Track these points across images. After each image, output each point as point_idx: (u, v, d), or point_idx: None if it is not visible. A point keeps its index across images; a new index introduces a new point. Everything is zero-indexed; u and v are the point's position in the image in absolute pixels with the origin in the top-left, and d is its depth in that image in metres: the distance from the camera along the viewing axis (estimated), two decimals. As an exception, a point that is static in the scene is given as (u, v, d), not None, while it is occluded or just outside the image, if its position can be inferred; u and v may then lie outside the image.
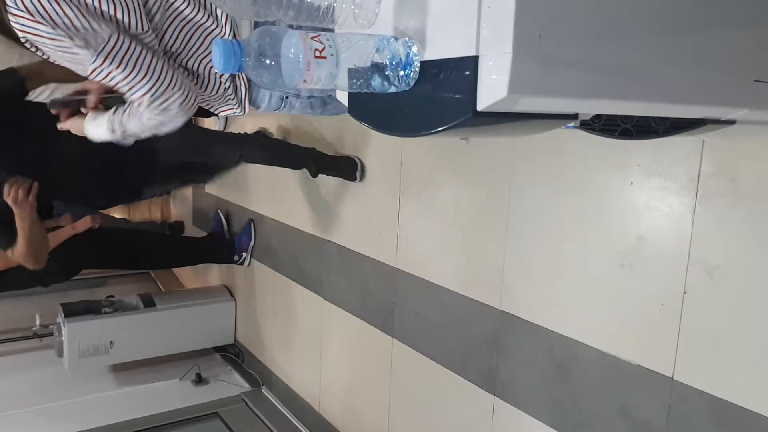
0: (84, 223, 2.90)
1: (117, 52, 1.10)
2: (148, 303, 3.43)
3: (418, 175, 2.27)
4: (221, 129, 3.56)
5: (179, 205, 4.80)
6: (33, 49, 1.18)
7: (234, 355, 3.68)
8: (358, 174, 2.50)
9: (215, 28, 1.25)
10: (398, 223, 2.34)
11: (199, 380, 3.41)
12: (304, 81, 0.76)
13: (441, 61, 0.78)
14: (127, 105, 1.26)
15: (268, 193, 3.32)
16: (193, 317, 3.57)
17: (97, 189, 2.20)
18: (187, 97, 1.21)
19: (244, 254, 3.47)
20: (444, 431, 2.22)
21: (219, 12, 1.25)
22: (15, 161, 1.95)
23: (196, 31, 1.23)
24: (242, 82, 1.35)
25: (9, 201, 1.97)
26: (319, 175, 2.55)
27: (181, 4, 1.21)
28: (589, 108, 0.93)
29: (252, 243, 3.47)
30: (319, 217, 2.85)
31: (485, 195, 1.98)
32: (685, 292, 1.45)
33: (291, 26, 0.85)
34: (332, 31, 0.88)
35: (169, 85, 1.17)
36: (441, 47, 0.79)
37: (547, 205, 1.77)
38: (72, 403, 3.19)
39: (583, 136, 1.53)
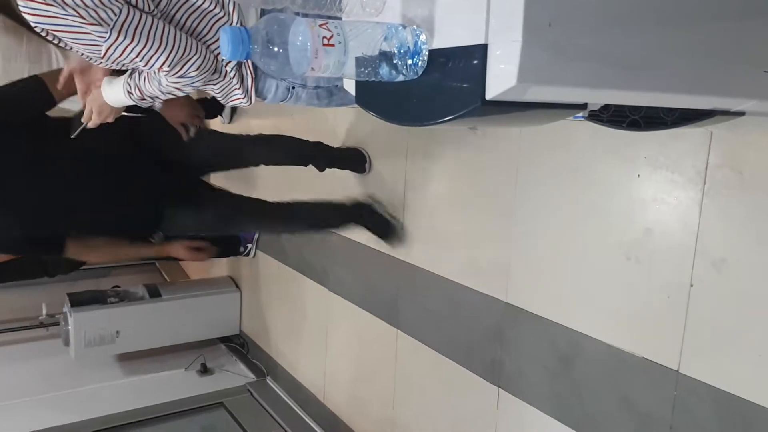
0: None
1: (129, 25, 1.10)
2: (154, 293, 3.45)
3: (424, 165, 2.27)
4: (227, 123, 3.55)
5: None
6: (50, 37, 1.18)
7: (239, 345, 3.70)
8: (366, 166, 2.49)
9: (222, 16, 1.25)
10: (404, 214, 2.34)
11: (204, 370, 3.42)
12: (312, 69, 0.76)
13: (449, 49, 0.78)
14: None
15: (273, 185, 3.32)
16: (198, 308, 3.58)
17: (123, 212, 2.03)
18: (204, 60, 1.22)
19: (250, 245, 3.48)
20: (448, 422, 2.23)
21: (226, 0, 1.25)
22: (34, 181, 1.84)
23: (203, 17, 1.23)
24: (249, 72, 1.34)
25: None
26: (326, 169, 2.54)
27: None
28: (598, 98, 0.93)
29: (257, 234, 3.47)
30: (325, 208, 2.84)
31: (491, 186, 1.97)
32: (691, 285, 1.45)
33: (297, 14, 0.84)
34: (339, 19, 0.88)
35: (185, 51, 1.18)
36: (449, 35, 0.78)
37: (554, 196, 1.77)
38: (78, 392, 3.21)
39: (590, 128, 1.52)
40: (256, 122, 3.40)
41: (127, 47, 1.13)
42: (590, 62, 0.78)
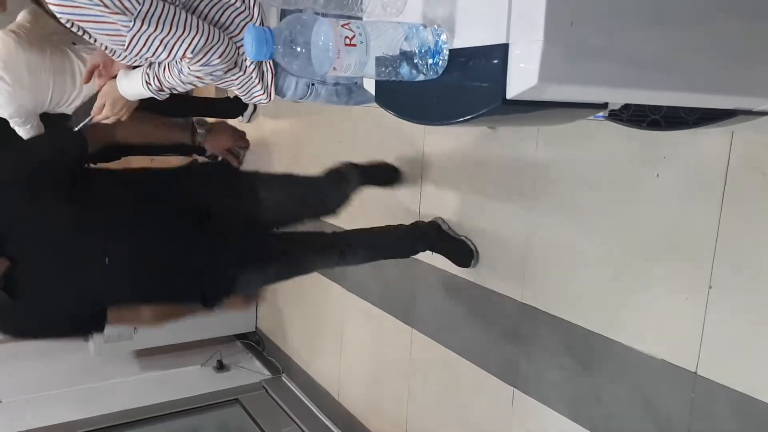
0: None
1: (153, 14, 1.12)
2: (172, 290, 3.48)
3: (440, 163, 2.27)
4: (246, 122, 3.55)
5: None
6: (75, 29, 1.20)
7: (255, 342, 3.72)
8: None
9: (244, 10, 1.26)
10: (419, 212, 2.34)
11: (221, 367, 3.45)
12: (334, 68, 0.77)
13: (470, 49, 0.79)
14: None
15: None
16: (215, 305, 3.61)
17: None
18: (226, 47, 1.23)
19: None
20: (463, 422, 2.23)
21: None
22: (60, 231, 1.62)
23: (225, 10, 1.25)
24: (269, 69, 1.35)
25: None
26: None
27: None
28: (619, 97, 0.93)
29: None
30: (341, 207, 2.85)
31: (508, 184, 1.97)
32: (710, 287, 1.44)
33: (317, 14, 0.85)
34: (360, 19, 0.88)
35: (208, 38, 1.19)
36: (470, 35, 0.79)
37: (571, 196, 1.76)
38: (97, 387, 3.26)
39: (609, 127, 1.52)
40: (270, 123, 3.41)
41: (150, 36, 1.14)
42: (611, 61, 0.78)
